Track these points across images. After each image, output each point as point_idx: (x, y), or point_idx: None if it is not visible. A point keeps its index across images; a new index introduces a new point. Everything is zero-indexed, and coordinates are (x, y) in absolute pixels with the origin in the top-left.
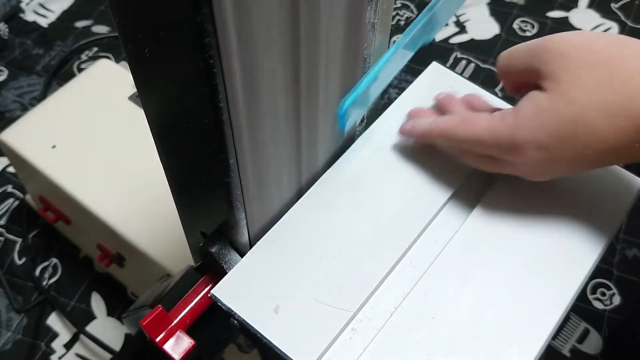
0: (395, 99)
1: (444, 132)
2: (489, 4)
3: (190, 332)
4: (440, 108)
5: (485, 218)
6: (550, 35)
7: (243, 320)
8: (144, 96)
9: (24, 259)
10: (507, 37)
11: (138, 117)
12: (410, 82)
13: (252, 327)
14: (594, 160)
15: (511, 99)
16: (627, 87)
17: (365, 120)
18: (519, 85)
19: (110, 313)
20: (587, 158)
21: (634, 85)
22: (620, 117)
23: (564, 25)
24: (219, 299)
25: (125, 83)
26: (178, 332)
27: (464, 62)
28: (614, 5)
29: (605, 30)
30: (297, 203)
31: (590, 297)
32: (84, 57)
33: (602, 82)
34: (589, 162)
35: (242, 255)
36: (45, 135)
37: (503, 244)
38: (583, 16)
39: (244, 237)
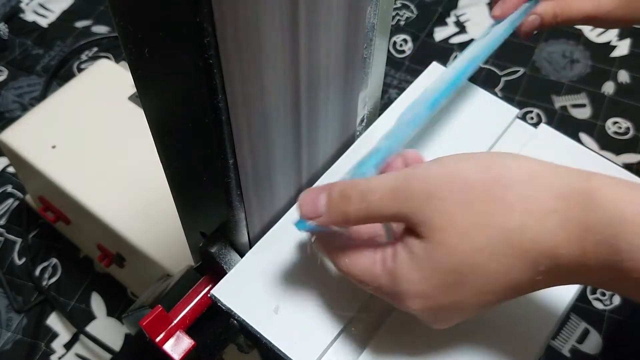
0: (396, 99)
1: (328, 257)
2: (488, 4)
3: (190, 332)
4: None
5: None
6: (413, 173)
7: (243, 320)
8: (144, 96)
9: (24, 259)
10: (507, 37)
11: (138, 117)
12: (410, 82)
13: (252, 327)
14: (494, 302)
15: (511, 100)
16: (511, 221)
17: (365, 121)
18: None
19: (110, 313)
20: (485, 302)
21: (518, 217)
22: (510, 255)
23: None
24: (219, 299)
25: (125, 83)
26: (178, 332)
27: None
28: None
29: (605, 31)
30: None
31: (590, 297)
32: (84, 57)
33: (482, 220)
34: (489, 304)
35: (242, 255)
36: (45, 135)
37: None
38: None
39: (244, 237)
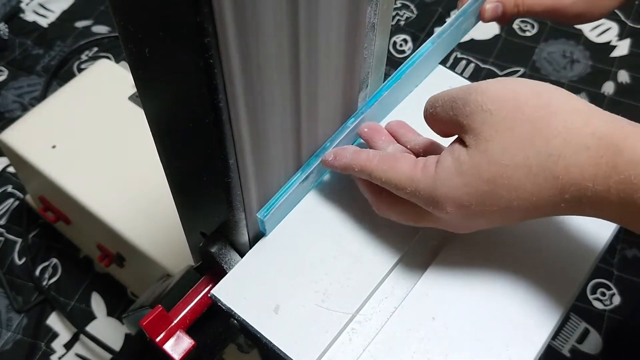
0: None
1: (363, 169)
2: None
3: (190, 332)
4: (366, 142)
5: None
6: (473, 86)
7: (243, 320)
8: (144, 96)
9: (24, 259)
10: (507, 37)
11: (138, 117)
12: None
13: (252, 327)
14: (516, 217)
15: None
16: (550, 145)
17: None
18: (446, 132)
19: (110, 313)
20: (510, 216)
21: (558, 144)
22: (542, 177)
23: (564, 25)
24: (219, 299)
25: (125, 83)
26: (178, 332)
27: (464, 62)
28: None
29: (605, 31)
30: (297, 203)
31: (590, 297)
32: (84, 57)
33: (525, 140)
34: (512, 219)
35: (242, 255)
36: (45, 135)
37: (503, 245)
38: None
39: (244, 237)
